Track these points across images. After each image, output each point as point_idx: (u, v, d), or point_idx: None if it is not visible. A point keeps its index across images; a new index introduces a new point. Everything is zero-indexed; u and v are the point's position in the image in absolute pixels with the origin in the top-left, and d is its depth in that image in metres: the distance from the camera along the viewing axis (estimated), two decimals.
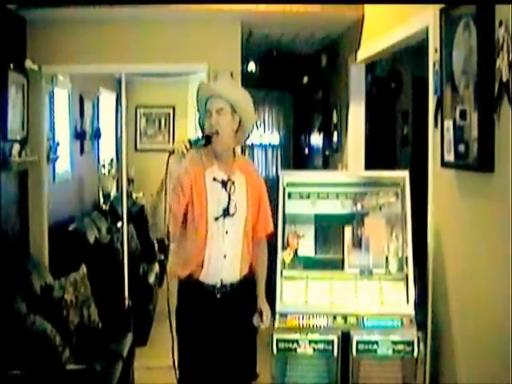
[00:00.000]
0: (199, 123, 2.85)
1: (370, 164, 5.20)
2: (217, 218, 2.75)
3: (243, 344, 2.90)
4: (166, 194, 2.53)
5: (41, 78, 4.72)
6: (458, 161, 2.89)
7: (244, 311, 2.90)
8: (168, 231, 2.61)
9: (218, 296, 2.79)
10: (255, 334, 2.99)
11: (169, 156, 2.53)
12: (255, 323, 2.94)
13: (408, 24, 3.64)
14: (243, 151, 5.60)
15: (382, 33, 4.22)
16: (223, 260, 2.78)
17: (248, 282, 2.91)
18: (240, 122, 2.79)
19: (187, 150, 2.56)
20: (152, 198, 2.65)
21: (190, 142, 2.58)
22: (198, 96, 2.84)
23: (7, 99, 4.18)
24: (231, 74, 4.68)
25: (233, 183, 2.79)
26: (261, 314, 2.96)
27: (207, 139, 2.69)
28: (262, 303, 2.98)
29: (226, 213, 2.75)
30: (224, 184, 2.77)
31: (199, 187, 2.74)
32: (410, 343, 3.19)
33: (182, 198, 2.68)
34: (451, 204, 3.11)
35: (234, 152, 2.87)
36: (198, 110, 2.87)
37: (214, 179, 2.77)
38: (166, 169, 2.52)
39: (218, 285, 2.78)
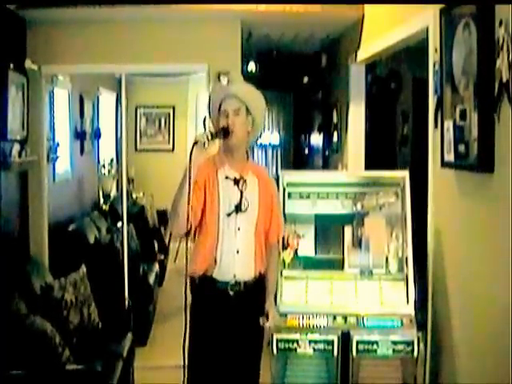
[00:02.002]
0: (212, 123, 2.90)
1: (370, 164, 5.20)
2: (229, 214, 2.80)
3: (253, 343, 2.92)
4: (189, 184, 2.57)
5: (41, 78, 4.72)
6: (458, 161, 2.89)
7: (256, 311, 2.91)
8: (190, 225, 2.66)
9: (231, 294, 2.82)
10: (263, 335, 3.00)
11: (193, 146, 2.60)
12: (260, 322, 2.94)
13: (408, 24, 3.64)
14: None
15: (381, 33, 4.22)
16: (235, 255, 2.82)
17: (261, 282, 2.93)
18: (253, 123, 2.86)
19: (208, 140, 2.62)
20: (175, 193, 2.68)
21: (211, 133, 2.66)
22: (212, 96, 2.90)
23: (7, 99, 4.18)
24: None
25: (245, 181, 2.85)
26: (267, 316, 2.96)
27: (225, 131, 2.74)
28: (270, 306, 2.99)
29: (238, 209, 2.81)
30: (236, 182, 2.83)
31: (212, 185, 2.81)
32: (410, 343, 3.20)
33: (199, 193, 2.76)
34: (451, 204, 3.11)
35: (247, 154, 2.93)
36: (209, 111, 2.91)
37: (227, 177, 2.83)
38: (190, 159, 2.58)
39: (232, 282, 2.81)
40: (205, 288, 2.85)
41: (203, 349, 2.82)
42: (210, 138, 2.63)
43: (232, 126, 2.76)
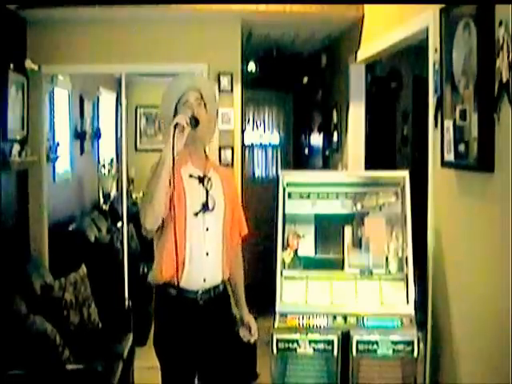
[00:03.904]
0: (164, 121, 2.73)
1: (370, 164, 5.20)
2: (196, 214, 2.65)
3: (230, 353, 2.76)
4: (173, 169, 2.45)
5: (41, 78, 4.72)
6: (458, 161, 2.89)
7: (228, 318, 2.78)
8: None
9: (201, 303, 2.65)
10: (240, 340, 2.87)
11: (174, 129, 2.46)
12: (243, 337, 2.84)
13: (408, 24, 3.64)
14: (243, 151, 5.59)
15: (381, 33, 4.22)
16: (206, 258, 2.65)
17: (230, 286, 2.83)
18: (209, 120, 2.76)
19: (187, 124, 2.50)
20: (149, 182, 2.51)
21: (189, 117, 2.53)
22: (170, 90, 2.73)
23: (7, 99, 4.18)
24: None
25: (209, 179, 2.72)
26: (249, 328, 2.84)
27: (196, 120, 2.58)
28: (247, 316, 2.86)
29: (206, 208, 2.66)
30: (201, 180, 2.70)
31: (177, 184, 2.61)
32: (410, 343, 3.19)
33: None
34: (451, 204, 3.11)
35: (205, 153, 2.81)
36: (164, 107, 2.74)
37: (191, 176, 2.69)
38: (173, 142, 2.44)
39: (201, 290, 2.65)
40: (171, 296, 2.65)
41: (176, 365, 2.66)
42: (188, 122, 2.49)
43: (198, 115, 2.61)
